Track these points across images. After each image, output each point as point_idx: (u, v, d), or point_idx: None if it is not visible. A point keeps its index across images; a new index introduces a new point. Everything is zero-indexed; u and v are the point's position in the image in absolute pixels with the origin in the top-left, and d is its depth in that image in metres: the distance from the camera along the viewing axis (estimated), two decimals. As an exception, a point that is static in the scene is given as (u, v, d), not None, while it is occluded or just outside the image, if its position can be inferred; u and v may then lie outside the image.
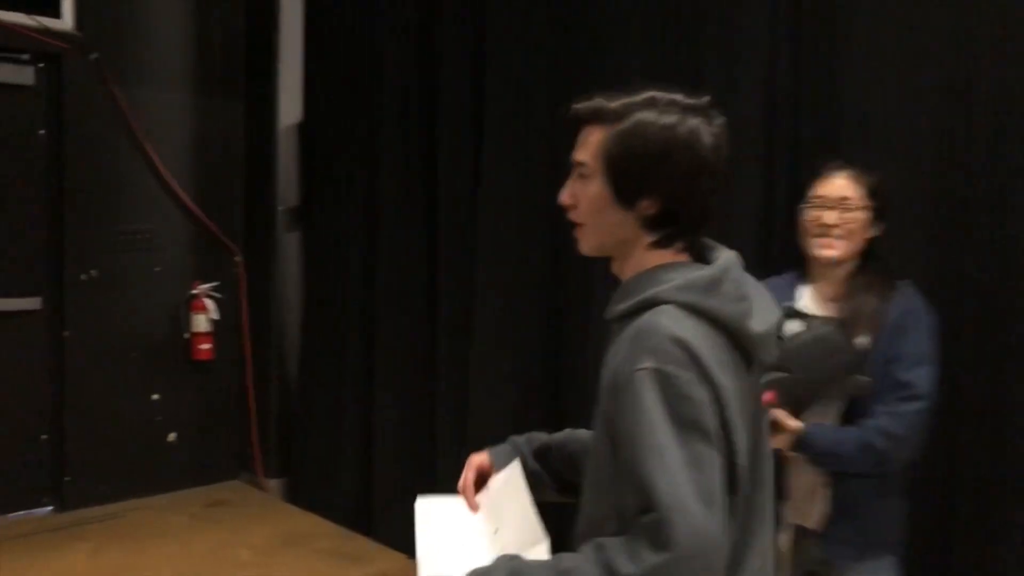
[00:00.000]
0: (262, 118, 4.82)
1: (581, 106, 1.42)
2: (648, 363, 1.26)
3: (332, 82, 4.57)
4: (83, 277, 4.36)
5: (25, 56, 4.20)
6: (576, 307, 3.35)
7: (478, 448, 1.76)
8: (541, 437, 1.72)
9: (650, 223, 1.39)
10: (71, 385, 4.36)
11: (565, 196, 1.45)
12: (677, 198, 1.37)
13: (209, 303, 4.69)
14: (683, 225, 1.40)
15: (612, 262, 1.47)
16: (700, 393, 1.26)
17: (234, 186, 4.87)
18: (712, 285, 1.34)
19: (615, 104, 1.39)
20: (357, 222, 4.35)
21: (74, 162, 4.32)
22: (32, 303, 4.30)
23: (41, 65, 4.26)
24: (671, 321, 1.29)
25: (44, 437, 4.35)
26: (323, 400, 4.57)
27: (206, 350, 4.69)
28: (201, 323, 4.67)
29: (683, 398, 1.25)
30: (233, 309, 4.81)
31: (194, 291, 4.68)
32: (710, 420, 1.25)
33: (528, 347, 3.48)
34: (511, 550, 1.39)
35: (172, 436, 4.68)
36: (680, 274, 1.35)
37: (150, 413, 4.60)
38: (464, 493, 1.65)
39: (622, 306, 1.38)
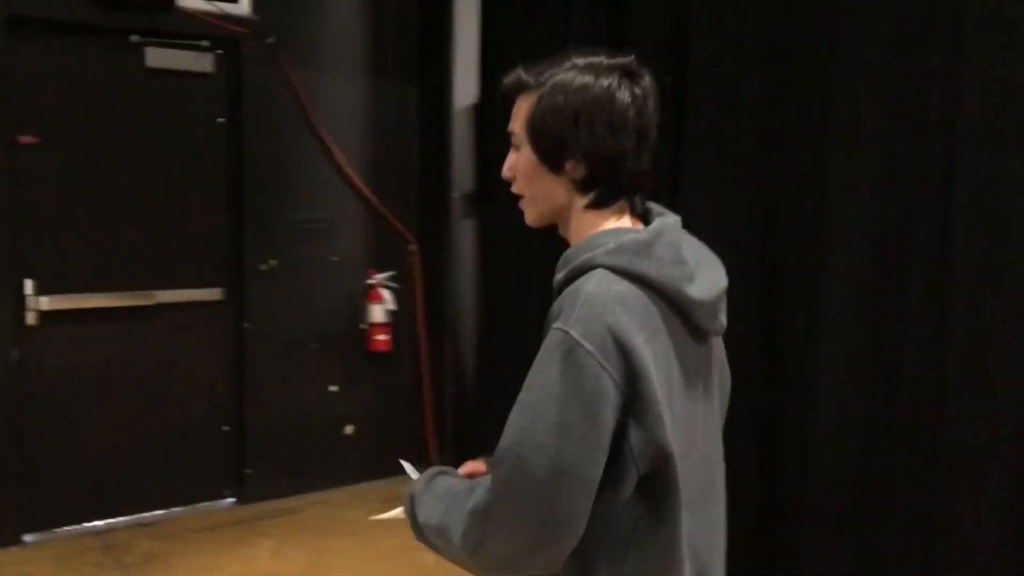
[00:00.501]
0: (436, 101, 4.64)
1: (506, 80, 1.42)
2: (563, 324, 1.26)
3: (510, 60, 4.30)
4: (262, 267, 4.30)
5: (205, 43, 4.15)
6: (796, 310, 2.98)
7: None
8: None
9: (581, 185, 1.38)
10: (251, 377, 4.32)
11: (505, 170, 1.44)
12: (600, 157, 1.35)
13: (385, 293, 4.56)
14: (613, 185, 1.38)
15: (560, 231, 1.44)
16: (596, 366, 1.23)
17: (408, 172, 4.72)
18: (643, 248, 1.31)
19: (534, 72, 1.39)
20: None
21: (253, 150, 4.26)
22: (213, 294, 4.27)
23: (220, 52, 4.21)
24: (597, 287, 1.28)
25: (225, 429, 4.33)
26: (501, 392, 4.34)
27: (383, 341, 4.56)
28: (377, 313, 4.55)
29: (579, 368, 1.23)
30: (409, 299, 4.67)
31: (370, 281, 4.56)
32: (601, 398, 1.23)
33: (741, 349, 3.12)
34: None
35: (349, 429, 4.59)
36: (613, 238, 1.33)
37: (328, 405, 4.52)
38: None
39: (560, 275, 1.37)
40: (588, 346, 1.23)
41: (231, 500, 4.34)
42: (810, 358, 2.90)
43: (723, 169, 3.19)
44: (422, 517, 1.41)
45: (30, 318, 3.88)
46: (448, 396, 4.70)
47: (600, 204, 1.39)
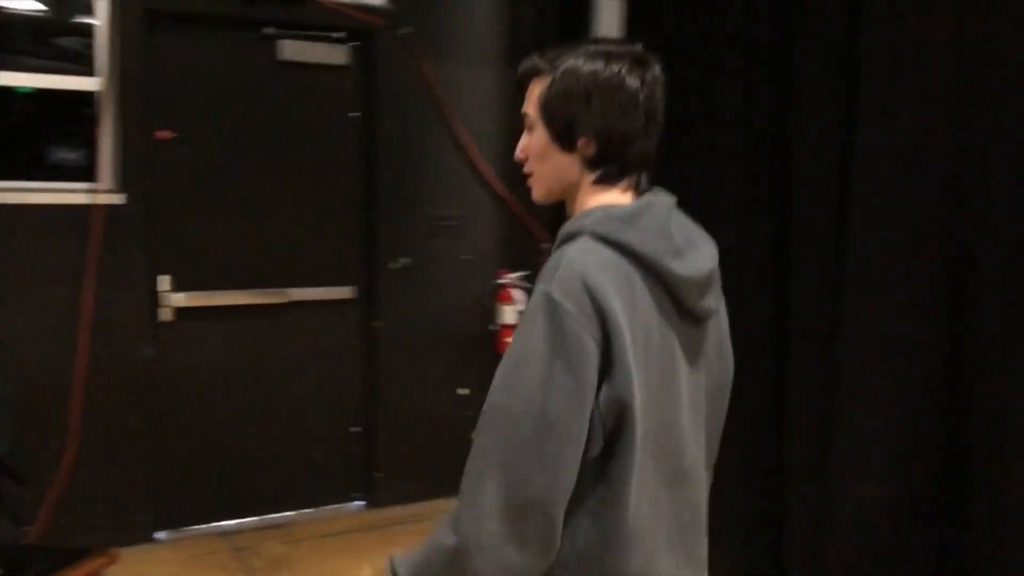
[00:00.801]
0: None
1: (521, 67, 1.49)
2: (546, 286, 1.30)
3: (655, 52, 4.03)
4: (394, 265, 4.17)
5: (339, 34, 4.04)
6: (992, 318, 2.60)
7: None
8: None
9: (591, 163, 1.44)
10: (381, 377, 4.20)
11: (518, 151, 1.51)
12: (610, 135, 1.42)
13: (517, 293, 4.36)
14: (620, 163, 1.44)
15: (568, 208, 1.50)
16: (576, 326, 1.27)
17: (543, 167, 4.50)
18: (630, 218, 1.37)
19: (549, 57, 1.45)
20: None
21: (386, 145, 4.13)
22: (345, 292, 4.17)
23: (354, 43, 4.09)
24: (579, 252, 1.33)
25: (355, 430, 4.23)
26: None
27: (515, 344, 4.36)
28: (508, 315, 4.36)
29: (561, 327, 1.27)
30: (543, 300, 4.45)
31: (501, 280, 4.37)
32: (584, 355, 1.27)
33: (917, 360, 2.77)
34: None
35: (479, 434, 4.40)
36: (605, 210, 1.39)
37: (458, 409, 4.35)
38: None
39: (558, 240, 1.41)
40: (568, 306, 1.27)
41: (360, 503, 4.24)
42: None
43: (904, 160, 2.83)
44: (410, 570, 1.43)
45: (165, 314, 3.85)
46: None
47: (607, 180, 1.45)
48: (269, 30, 3.92)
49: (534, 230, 4.44)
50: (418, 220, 4.21)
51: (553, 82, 1.43)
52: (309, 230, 4.08)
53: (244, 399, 4.00)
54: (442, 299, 4.31)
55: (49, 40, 3.58)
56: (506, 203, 4.38)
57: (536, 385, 1.26)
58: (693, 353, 1.44)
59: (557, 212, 4.47)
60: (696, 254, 1.42)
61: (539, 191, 1.51)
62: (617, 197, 1.45)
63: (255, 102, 3.94)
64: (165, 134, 3.79)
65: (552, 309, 1.27)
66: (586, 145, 1.43)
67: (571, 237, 1.37)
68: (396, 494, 4.20)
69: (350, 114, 4.13)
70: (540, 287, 1.31)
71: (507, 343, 4.25)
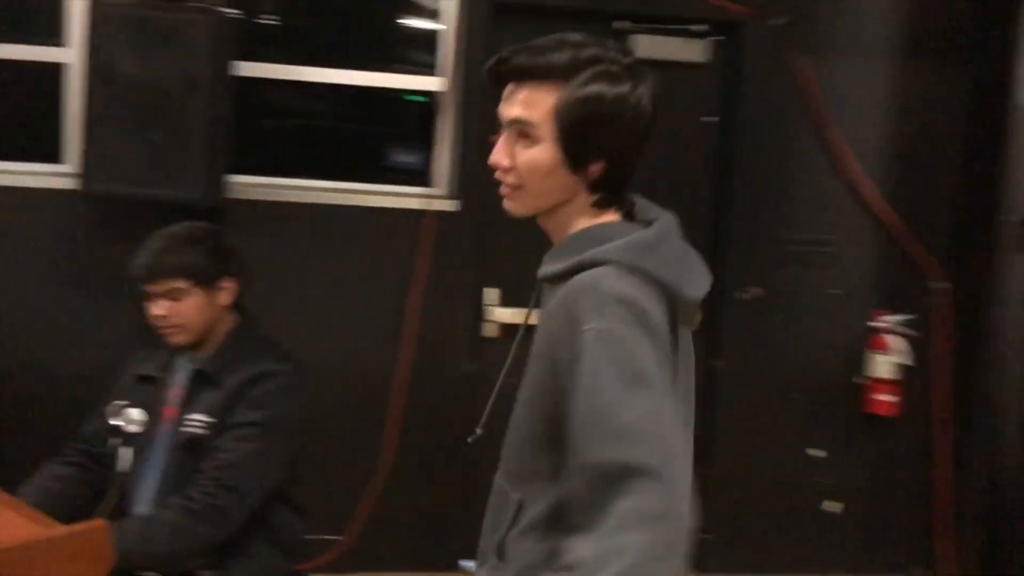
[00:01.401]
0: (992, 94, 3.52)
1: (524, 60, 1.36)
2: (595, 323, 1.26)
3: None
4: (742, 295, 3.59)
5: (700, 27, 3.54)
6: None
7: None
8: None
9: (592, 184, 1.40)
10: (717, 424, 3.64)
11: (502, 157, 1.39)
12: (622, 161, 1.39)
13: (895, 341, 3.58)
14: (622, 186, 1.43)
15: (542, 220, 1.45)
16: (646, 348, 1.25)
17: (941, 187, 3.67)
18: (653, 247, 1.36)
19: (565, 61, 1.35)
20: None
21: (744, 154, 3.58)
22: (683, 322, 3.66)
23: (717, 38, 3.58)
24: (613, 280, 1.31)
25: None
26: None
27: (887, 403, 3.60)
28: (882, 366, 3.60)
29: (631, 355, 1.24)
30: (929, 352, 3.62)
31: (876, 324, 3.61)
32: (658, 372, 1.25)
33: None
34: None
35: (833, 506, 3.69)
36: (618, 233, 1.38)
37: (806, 472, 3.67)
38: None
39: (560, 266, 1.38)
40: (618, 328, 1.25)
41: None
42: None
43: None
44: None
45: (489, 329, 3.60)
46: (974, 486, 3.57)
47: (606, 203, 1.42)
48: (621, 24, 3.53)
49: (922, 263, 3.62)
50: (775, 244, 3.60)
51: (581, 101, 1.34)
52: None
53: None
54: (798, 339, 3.65)
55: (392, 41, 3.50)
56: (888, 229, 3.61)
57: (637, 423, 1.20)
58: (685, 364, 1.44)
59: (960, 243, 3.61)
60: (698, 275, 1.41)
61: (524, 206, 1.42)
62: (608, 217, 1.43)
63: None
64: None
65: (609, 341, 1.25)
66: (597, 169, 1.38)
67: (588, 265, 1.34)
68: (727, 560, 3.61)
69: (704, 119, 3.63)
70: (576, 329, 1.27)
71: (877, 400, 3.51)
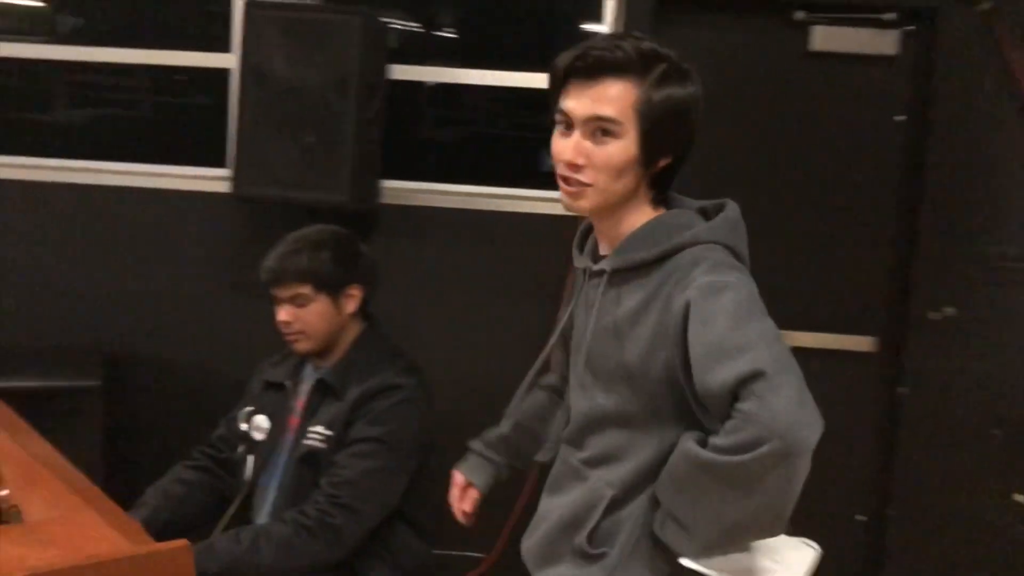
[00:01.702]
0: None
1: (604, 54, 1.40)
2: (730, 277, 1.40)
3: None
4: (933, 316, 3.18)
5: (890, 15, 3.18)
6: None
7: None
8: (495, 433, 1.86)
9: (654, 180, 1.48)
10: (902, 458, 3.25)
11: (575, 155, 1.43)
12: (682, 157, 1.48)
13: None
14: (673, 179, 1.51)
15: (599, 215, 1.50)
16: (755, 294, 1.41)
17: None
18: (736, 227, 1.50)
19: (636, 57, 1.40)
20: None
21: (939, 157, 3.17)
22: (862, 343, 3.30)
23: (908, 28, 3.20)
24: (717, 254, 1.44)
25: (860, 519, 3.35)
26: None
27: (1109, 446, 3.08)
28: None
29: (741, 296, 1.38)
30: None
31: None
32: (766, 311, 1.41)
33: None
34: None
35: (1039, 560, 3.21)
36: (689, 220, 1.49)
37: (1009, 520, 3.21)
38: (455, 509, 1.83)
39: (645, 254, 1.46)
40: (747, 282, 1.42)
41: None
42: None
43: None
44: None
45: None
46: None
47: (663, 198, 1.52)
48: (801, 14, 3.22)
49: None
50: (973, 259, 3.16)
51: (665, 100, 1.41)
52: (823, 259, 3.29)
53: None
54: (1000, 368, 3.19)
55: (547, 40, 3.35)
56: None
57: (777, 349, 1.34)
58: None
59: None
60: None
61: (591, 203, 1.46)
62: (661, 209, 1.52)
63: (776, 103, 3.27)
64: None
65: (745, 289, 1.40)
66: (663, 165, 1.46)
67: (683, 247, 1.44)
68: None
69: (895, 118, 3.25)
70: (712, 278, 1.39)
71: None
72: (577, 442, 1.57)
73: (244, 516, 2.14)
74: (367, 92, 2.97)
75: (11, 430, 2.04)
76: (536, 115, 3.37)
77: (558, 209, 3.23)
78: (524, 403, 1.84)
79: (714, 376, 1.32)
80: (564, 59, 1.44)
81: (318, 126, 2.92)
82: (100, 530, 1.47)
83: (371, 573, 2.07)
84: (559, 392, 1.83)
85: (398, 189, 3.28)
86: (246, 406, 2.25)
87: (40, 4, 3.62)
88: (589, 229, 1.64)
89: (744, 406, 1.29)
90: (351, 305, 2.16)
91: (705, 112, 1.46)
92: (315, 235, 2.19)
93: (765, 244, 3.17)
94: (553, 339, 1.70)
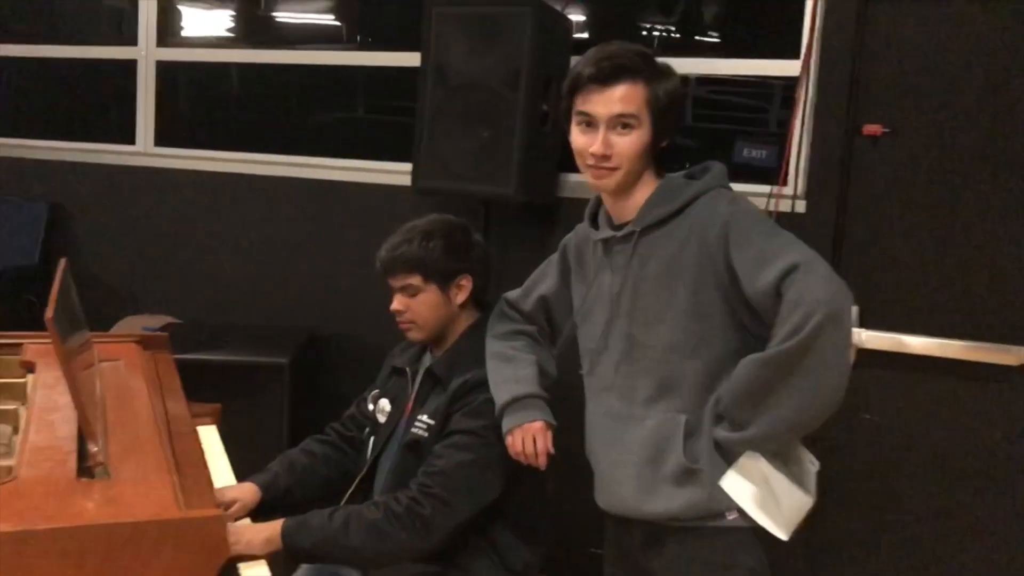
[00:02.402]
0: None
1: (624, 61, 1.77)
2: (748, 205, 1.79)
3: None
4: None
5: None
6: None
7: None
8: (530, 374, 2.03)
9: (655, 156, 1.84)
10: None
11: (604, 147, 1.78)
12: (672, 138, 1.85)
13: None
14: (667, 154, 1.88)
15: (618, 191, 1.85)
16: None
17: None
18: (726, 176, 1.87)
19: (642, 62, 1.79)
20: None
21: None
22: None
23: None
24: (727, 192, 1.82)
25: None
26: None
27: None
28: None
29: (764, 218, 1.78)
30: None
31: None
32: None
33: None
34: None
35: None
36: (683, 180, 1.86)
37: None
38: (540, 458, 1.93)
39: (667, 208, 1.80)
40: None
41: None
42: None
43: None
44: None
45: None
46: None
47: (660, 172, 1.88)
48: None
49: None
50: None
51: (670, 93, 1.80)
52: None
53: (934, 487, 2.98)
54: None
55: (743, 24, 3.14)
56: None
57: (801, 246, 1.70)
58: None
59: None
60: None
61: (618, 182, 1.82)
62: (658, 181, 1.87)
63: (995, 89, 2.84)
64: (875, 128, 2.98)
65: (759, 213, 1.82)
66: (667, 144, 1.85)
67: (700, 194, 1.81)
68: None
69: None
70: (733, 209, 1.76)
71: None
72: (622, 389, 1.85)
73: (365, 495, 2.20)
74: (540, 85, 2.94)
75: (163, 392, 2.26)
76: (725, 104, 3.18)
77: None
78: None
79: (762, 280, 1.64)
80: (583, 69, 1.78)
81: (493, 120, 2.94)
82: (162, 493, 1.57)
83: (474, 566, 2.05)
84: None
85: (580, 183, 3.24)
86: (375, 388, 2.32)
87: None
88: (595, 211, 1.97)
89: (789, 295, 1.59)
90: (461, 295, 2.16)
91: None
92: (427, 225, 2.20)
93: (993, 249, 2.80)
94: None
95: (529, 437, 1.90)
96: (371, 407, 2.28)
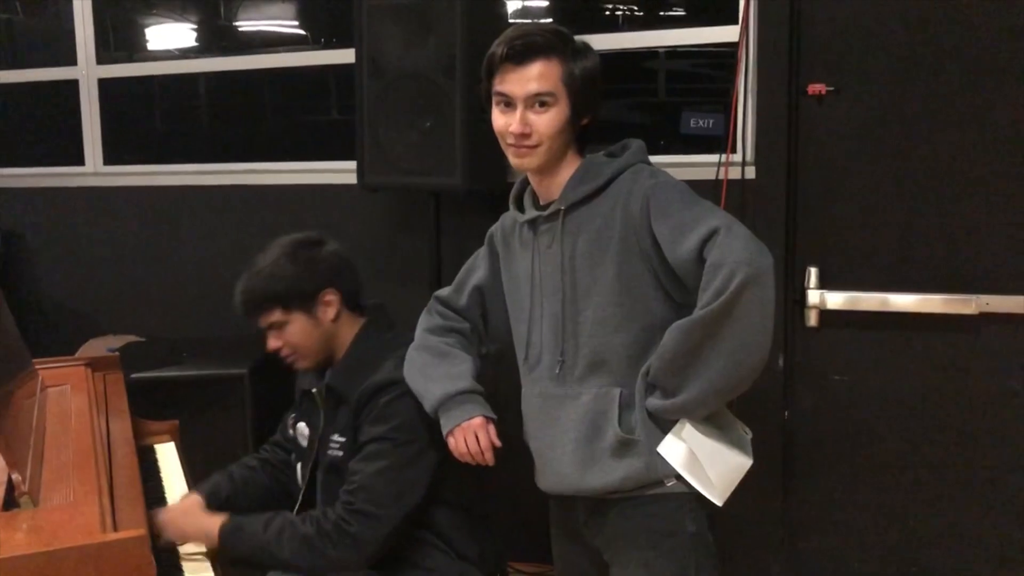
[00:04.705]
0: None
1: (537, 40, 1.78)
2: (668, 177, 1.82)
3: None
4: None
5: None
6: None
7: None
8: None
9: (579, 132, 1.85)
10: None
11: (522, 126, 1.79)
12: (596, 114, 1.86)
13: None
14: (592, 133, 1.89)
15: (542, 170, 1.86)
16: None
17: None
18: (645, 151, 1.89)
19: (556, 40, 1.79)
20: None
21: None
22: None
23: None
24: (648, 167, 1.85)
25: None
26: None
27: None
28: None
29: (685, 188, 1.81)
30: None
31: None
32: None
33: None
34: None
35: None
36: (607, 160, 1.86)
37: None
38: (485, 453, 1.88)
39: (591, 185, 1.82)
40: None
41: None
42: None
43: None
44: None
45: (810, 317, 3.05)
46: None
47: (583, 148, 1.88)
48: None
49: None
50: None
51: (586, 70, 1.80)
52: (1015, 215, 2.79)
53: (908, 442, 2.97)
54: None
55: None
56: None
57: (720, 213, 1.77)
58: None
59: None
60: None
61: (540, 160, 1.83)
62: (581, 159, 1.88)
63: (933, 41, 2.81)
64: (819, 88, 2.95)
65: (680, 184, 1.82)
66: (587, 122, 1.85)
67: (624, 169, 1.84)
68: None
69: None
70: (655, 181, 1.80)
71: None
72: (555, 368, 1.84)
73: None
74: (476, 71, 2.89)
75: (109, 412, 2.22)
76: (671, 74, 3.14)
77: (696, 174, 3.03)
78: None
79: (684, 247, 1.68)
80: (497, 49, 1.78)
81: (433, 111, 2.90)
82: (89, 518, 1.54)
83: (428, 562, 2.01)
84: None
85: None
86: (292, 413, 2.26)
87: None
88: (520, 193, 1.97)
89: (711, 258, 1.63)
90: (331, 311, 2.06)
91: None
92: (269, 256, 2.08)
93: (945, 203, 2.79)
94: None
95: (471, 435, 1.85)
96: (291, 432, 2.23)
